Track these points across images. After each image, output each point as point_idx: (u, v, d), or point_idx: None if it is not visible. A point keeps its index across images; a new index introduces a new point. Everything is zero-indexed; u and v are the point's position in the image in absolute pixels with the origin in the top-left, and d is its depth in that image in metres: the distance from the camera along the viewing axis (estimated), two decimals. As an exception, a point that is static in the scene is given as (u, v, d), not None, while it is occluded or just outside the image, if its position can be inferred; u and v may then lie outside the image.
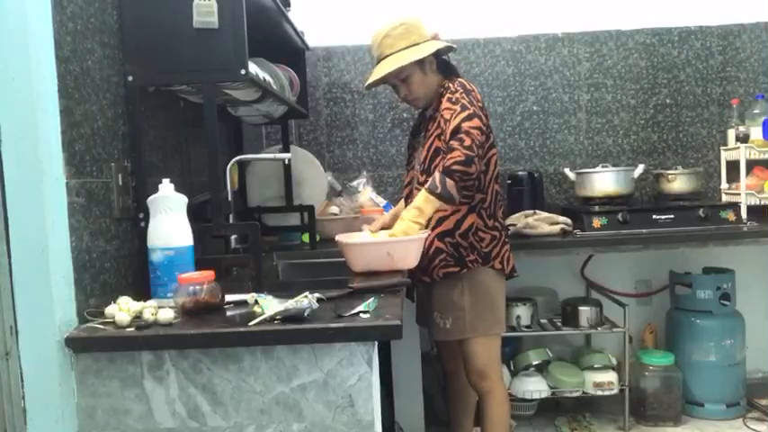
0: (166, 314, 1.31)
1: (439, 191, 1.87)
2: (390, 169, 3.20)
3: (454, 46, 2.19)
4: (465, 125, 1.91)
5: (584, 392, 2.85)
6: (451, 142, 1.91)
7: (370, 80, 2.15)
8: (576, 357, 3.01)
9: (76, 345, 1.27)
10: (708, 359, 2.87)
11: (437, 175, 1.89)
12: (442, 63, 2.18)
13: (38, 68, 1.24)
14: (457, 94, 2.00)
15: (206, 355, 1.27)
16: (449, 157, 1.89)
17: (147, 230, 1.51)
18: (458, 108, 1.96)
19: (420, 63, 2.09)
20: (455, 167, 1.86)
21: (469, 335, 2.10)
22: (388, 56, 2.09)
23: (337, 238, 1.91)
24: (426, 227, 1.97)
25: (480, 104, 2.01)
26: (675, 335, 2.99)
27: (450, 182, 1.87)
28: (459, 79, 2.09)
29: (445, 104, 2.01)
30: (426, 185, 1.90)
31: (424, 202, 1.89)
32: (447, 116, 1.97)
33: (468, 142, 1.88)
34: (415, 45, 2.08)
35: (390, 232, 1.91)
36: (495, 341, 2.16)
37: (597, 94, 3.20)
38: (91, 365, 1.28)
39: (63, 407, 1.25)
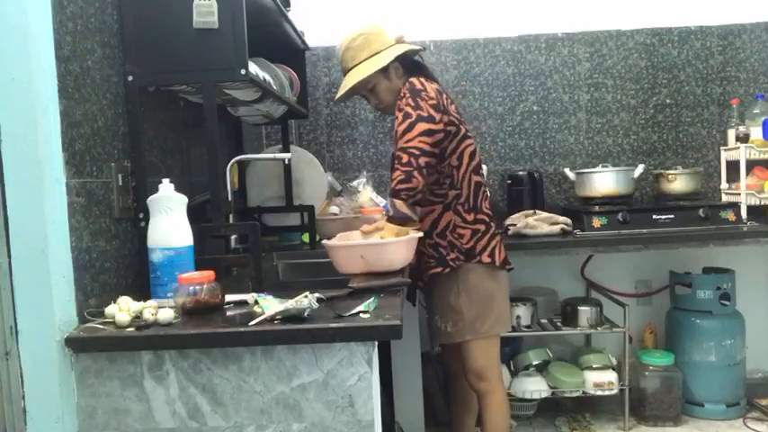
0: (166, 314, 1.31)
1: (392, 214, 1.90)
2: (390, 169, 3.20)
3: (419, 47, 2.17)
4: (403, 139, 1.89)
5: (584, 392, 2.85)
6: (394, 163, 1.92)
7: (338, 95, 2.16)
8: (575, 357, 3.01)
9: (76, 345, 1.27)
10: (708, 359, 2.87)
11: (388, 199, 1.92)
12: (411, 65, 2.15)
13: (38, 68, 1.24)
14: (403, 100, 1.95)
15: (206, 355, 1.27)
16: (392, 178, 1.91)
17: (147, 230, 1.51)
18: (400, 117, 1.93)
19: (384, 71, 2.08)
20: (398, 187, 1.88)
21: (470, 337, 2.09)
22: (351, 68, 2.10)
23: (324, 241, 1.92)
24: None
25: (434, 102, 1.94)
26: (675, 335, 2.99)
27: (398, 202, 1.89)
28: (411, 79, 2.01)
29: (396, 112, 1.97)
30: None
31: (384, 227, 1.91)
32: (395, 125, 1.96)
33: (405, 159, 1.88)
34: (376, 54, 2.07)
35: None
36: (494, 342, 2.15)
37: (597, 94, 3.20)
38: (91, 365, 1.28)
39: (63, 407, 1.25)
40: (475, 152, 2.11)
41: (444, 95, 2.04)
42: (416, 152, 1.88)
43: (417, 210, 1.97)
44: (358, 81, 2.06)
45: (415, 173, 1.87)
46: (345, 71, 2.13)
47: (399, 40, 2.14)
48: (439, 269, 2.07)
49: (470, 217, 2.08)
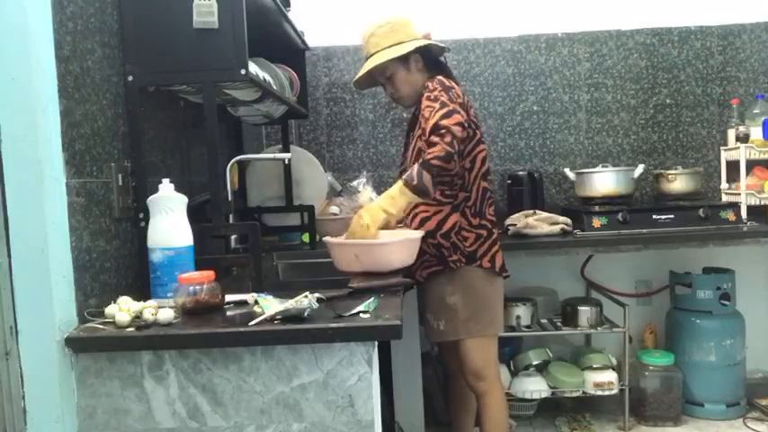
0: (166, 314, 1.31)
1: (414, 183, 1.84)
2: (390, 169, 3.20)
3: (444, 46, 2.18)
4: (445, 122, 1.88)
5: (584, 392, 2.85)
6: (432, 137, 1.88)
7: (356, 77, 2.18)
8: (575, 357, 3.01)
9: (76, 345, 1.27)
10: (708, 359, 2.87)
11: (415, 167, 1.87)
12: (433, 63, 2.17)
13: (38, 68, 1.24)
14: (435, 92, 1.97)
15: (206, 355, 1.27)
16: (429, 151, 1.86)
17: (147, 230, 1.51)
18: (437, 105, 1.93)
19: (404, 61, 2.10)
20: (434, 162, 1.84)
21: (463, 336, 2.09)
22: (373, 54, 2.11)
23: (325, 238, 1.91)
24: (401, 221, 2.00)
25: (461, 101, 1.98)
26: (675, 335, 2.99)
27: (427, 175, 1.85)
28: (439, 77, 2.05)
29: (424, 103, 1.98)
30: (404, 176, 1.89)
31: (398, 193, 1.87)
32: (426, 114, 1.95)
33: (449, 138, 1.86)
34: (399, 44, 2.08)
35: (358, 213, 1.88)
36: (491, 342, 2.15)
37: (597, 94, 3.20)
38: (91, 365, 1.28)
39: (63, 407, 1.25)
40: (486, 158, 2.12)
41: (466, 98, 2.06)
42: (458, 137, 1.87)
43: (437, 189, 1.95)
44: (375, 66, 2.08)
45: (456, 156, 1.87)
46: (367, 56, 2.14)
47: (427, 37, 2.15)
48: (439, 267, 2.07)
49: (476, 221, 2.08)
